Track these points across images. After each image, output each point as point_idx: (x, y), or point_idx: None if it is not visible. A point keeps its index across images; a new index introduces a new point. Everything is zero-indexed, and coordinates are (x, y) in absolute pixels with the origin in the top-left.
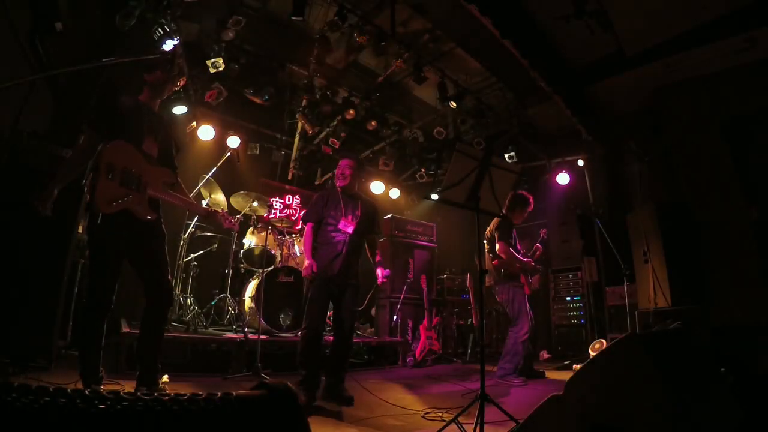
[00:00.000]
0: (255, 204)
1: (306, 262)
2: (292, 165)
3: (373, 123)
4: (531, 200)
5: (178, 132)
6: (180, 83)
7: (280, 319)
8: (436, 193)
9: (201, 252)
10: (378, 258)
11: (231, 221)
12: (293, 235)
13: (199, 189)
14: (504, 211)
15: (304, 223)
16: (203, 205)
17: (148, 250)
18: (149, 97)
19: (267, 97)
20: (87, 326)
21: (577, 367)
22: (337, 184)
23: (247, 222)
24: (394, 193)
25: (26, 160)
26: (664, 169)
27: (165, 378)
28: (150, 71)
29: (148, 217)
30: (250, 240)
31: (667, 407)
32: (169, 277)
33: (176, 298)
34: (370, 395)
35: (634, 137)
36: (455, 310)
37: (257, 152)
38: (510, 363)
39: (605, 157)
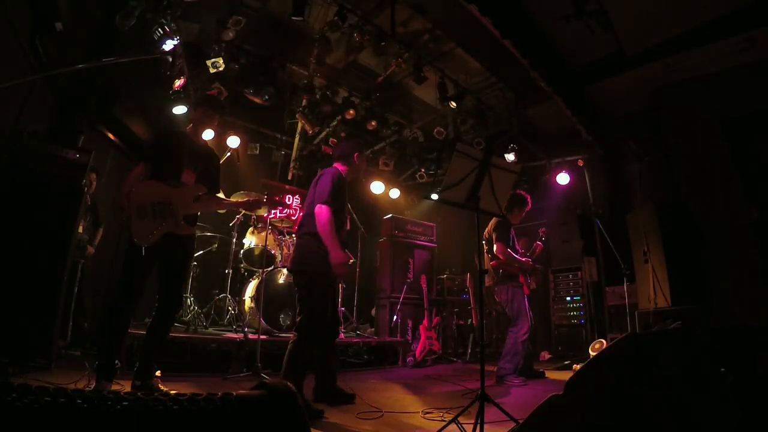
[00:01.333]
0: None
1: (339, 254)
2: (292, 165)
3: (373, 123)
4: (529, 200)
5: (217, 158)
6: (180, 83)
7: (280, 319)
8: (436, 193)
9: (201, 252)
10: None
11: (275, 199)
12: (293, 235)
13: None
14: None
15: (326, 204)
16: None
17: (176, 261)
18: (193, 130)
19: (267, 97)
20: (113, 326)
21: (577, 367)
22: (350, 178)
23: (247, 222)
24: (394, 193)
25: (26, 160)
26: (664, 169)
27: (157, 373)
28: (195, 108)
29: (187, 232)
30: (250, 240)
31: (667, 407)
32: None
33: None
34: (370, 395)
35: (634, 137)
36: (455, 310)
37: (257, 152)
38: (510, 363)
39: (605, 157)
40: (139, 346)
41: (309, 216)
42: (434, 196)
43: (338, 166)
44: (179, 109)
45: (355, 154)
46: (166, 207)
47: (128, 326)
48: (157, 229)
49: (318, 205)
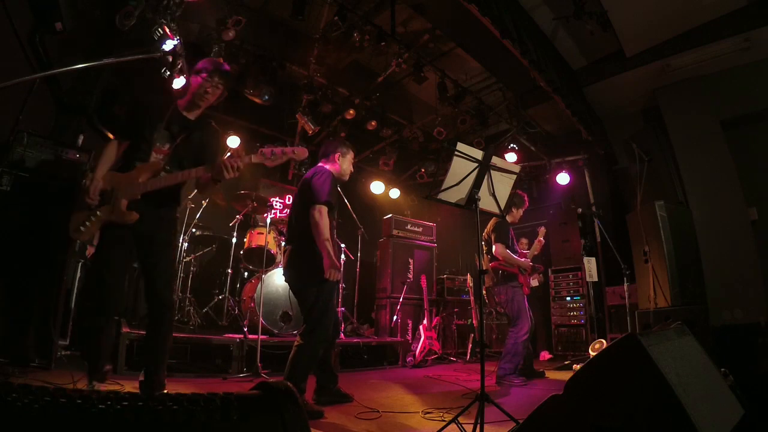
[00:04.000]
0: (255, 204)
1: (333, 260)
2: (292, 165)
3: (373, 123)
4: (526, 199)
5: (211, 134)
6: (180, 83)
7: (280, 319)
8: (436, 193)
9: (201, 252)
10: None
11: (234, 157)
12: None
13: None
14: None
15: (325, 204)
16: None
17: (144, 260)
18: (187, 104)
19: (267, 97)
20: (88, 328)
21: (577, 367)
22: (344, 178)
23: (247, 222)
24: (394, 193)
25: (26, 159)
26: (665, 169)
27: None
28: (197, 75)
29: (130, 219)
30: (250, 240)
31: (666, 407)
32: (171, 293)
33: (176, 298)
34: (370, 395)
35: (634, 137)
36: (455, 310)
37: None
38: (510, 363)
39: (605, 157)
40: (139, 345)
41: (307, 222)
42: (434, 197)
43: (325, 164)
44: None
45: (337, 154)
46: (105, 194)
47: (104, 326)
48: (89, 220)
49: (315, 206)
